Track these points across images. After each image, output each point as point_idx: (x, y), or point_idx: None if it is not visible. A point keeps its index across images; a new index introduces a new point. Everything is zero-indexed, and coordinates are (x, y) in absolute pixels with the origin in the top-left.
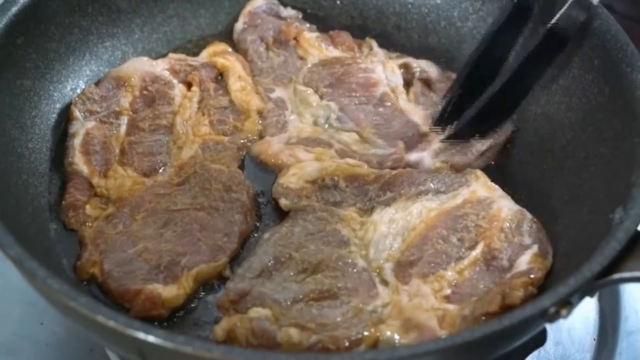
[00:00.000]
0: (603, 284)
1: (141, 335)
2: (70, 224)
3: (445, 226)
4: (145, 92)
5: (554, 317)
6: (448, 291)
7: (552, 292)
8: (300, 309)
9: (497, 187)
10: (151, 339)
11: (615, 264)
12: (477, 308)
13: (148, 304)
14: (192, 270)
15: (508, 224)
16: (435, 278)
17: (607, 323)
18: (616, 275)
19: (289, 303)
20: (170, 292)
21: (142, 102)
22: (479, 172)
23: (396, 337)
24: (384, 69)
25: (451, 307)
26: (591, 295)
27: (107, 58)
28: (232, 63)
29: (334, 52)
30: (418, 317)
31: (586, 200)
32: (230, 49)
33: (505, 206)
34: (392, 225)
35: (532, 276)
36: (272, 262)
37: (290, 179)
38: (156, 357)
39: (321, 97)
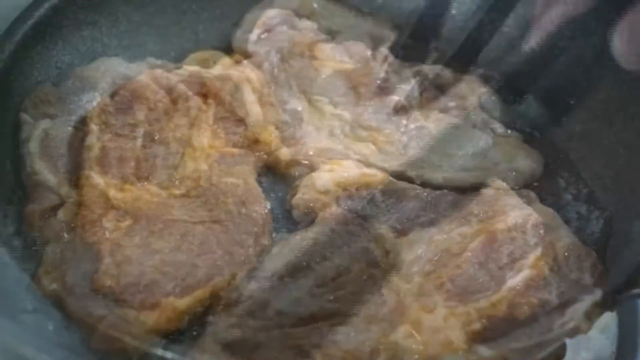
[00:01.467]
0: (623, 298)
1: None
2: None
3: (486, 250)
4: (117, 98)
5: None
6: (478, 325)
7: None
8: (308, 330)
9: (556, 214)
10: None
11: (637, 278)
12: None
13: (110, 333)
14: (183, 300)
15: (566, 254)
16: (466, 310)
17: (627, 337)
18: (637, 290)
19: (294, 320)
20: (146, 321)
21: (114, 109)
22: (533, 195)
23: None
24: (398, 78)
25: (484, 350)
26: (612, 310)
27: (84, 50)
28: (247, 75)
29: (348, 63)
30: (444, 358)
31: None
32: (245, 61)
33: (565, 236)
34: (430, 247)
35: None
36: (286, 267)
37: (322, 176)
38: None
39: (335, 107)
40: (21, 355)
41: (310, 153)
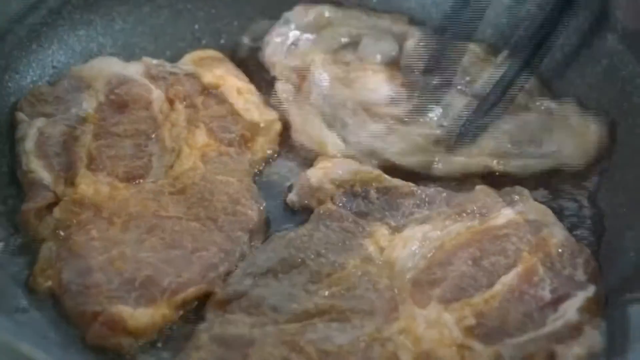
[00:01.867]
0: (617, 303)
1: None
2: (35, 233)
3: (479, 246)
4: (112, 97)
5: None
6: (472, 321)
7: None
8: (303, 325)
9: (549, 211)
10: None
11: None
12: None
13: (106, 329)
14: (178, 296)
15: (560, 251)
16: (460, 306)
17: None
18: (628, 296)
19: (289, 316)
20: (141, 317)
21: (109, 109)
22: (526, 192)
23: None
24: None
25: (478, 345)
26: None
27: (79, 50)
28: (224, 78)
29: (382, 63)
30: (437, 353)
31: None
32: (220, 55)
33: (558, 232)
34: (425, 243)
35: (588, 342)
36: (281, 263)
37: (316, 173)
38: None
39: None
40: (17, 351)
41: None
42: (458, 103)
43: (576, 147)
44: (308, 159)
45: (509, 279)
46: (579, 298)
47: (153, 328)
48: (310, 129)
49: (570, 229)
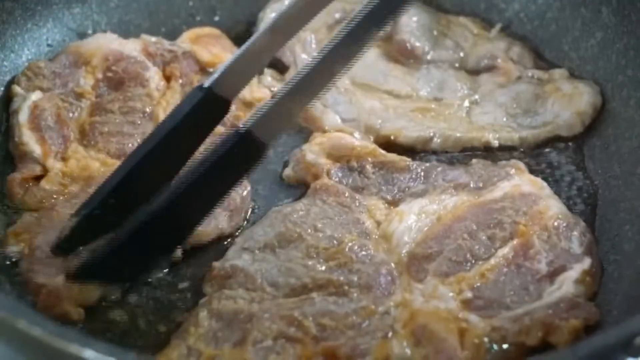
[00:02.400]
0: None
1: (74, 349)
2: (20, 202)
3: (476, 220)
4: (109, 74)
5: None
6: (469, 294)
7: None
8: (301, 300)
9: (545, 184)
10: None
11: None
12: (510, 335)
13: (51, 300)
14: None
15: (555, 224)
16: (456, 279)
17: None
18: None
19: (287, 291)
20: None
21: (106, 85)
22: (522, 165)
23: (407, 351)
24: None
25: (474, 318)
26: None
27: (74, 27)
28: (220, 57)
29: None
30: (433, 326)
31: None
32: (218, 32)
33: (554, 205)
34: (421, 217)
35: (584, 314)
36: (278, 238)
37: (312, 148)
38: None
39: (387, 85)
40: (14, 328)
41: (382, 134)
42: (452, 78)
43: (570, 116)
44: (303, 135)
45: (505, 252)
46: (575, 270)
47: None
48: None
49: (566, 201)
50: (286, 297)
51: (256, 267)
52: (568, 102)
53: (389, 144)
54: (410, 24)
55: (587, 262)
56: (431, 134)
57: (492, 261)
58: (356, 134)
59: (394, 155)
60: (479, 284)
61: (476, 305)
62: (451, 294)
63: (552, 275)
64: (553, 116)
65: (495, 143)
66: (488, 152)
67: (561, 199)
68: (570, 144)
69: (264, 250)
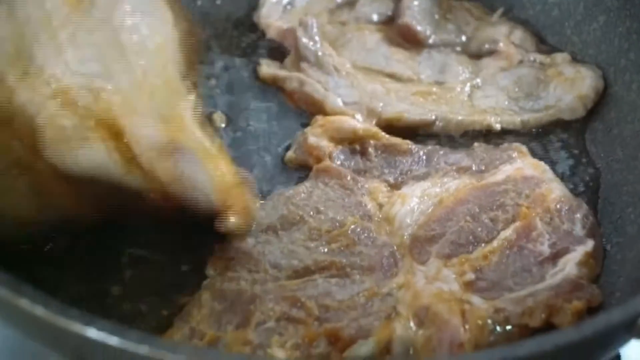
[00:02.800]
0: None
1: (77, 328)
2: None
3: (478, 202)
4: None
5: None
6: (471, 276)
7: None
8: (303, 282)
9: (547, 167)
10: (92, 333)
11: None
12: (513, 316)
13: None
14: None
15: (558, 206)
16: (459, 261)
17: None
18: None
19: (289, 272)
20: None
21: None
22: (524, 148)
23: (412, 327)
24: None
25: (477, 300)
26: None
27: None
28: None
29: (378, 22)
30: (436, 307)
31: None
32: None
33: (556, 188)
34: (423, 200)
35: (587, 296)
36: (280, 220)
37: (314, 131)
38: None
39: (388, 68)
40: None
41: (384, 117)
42: (454, 62)
43: (573, 100)
44: (304, 118)
45: (507, 234)
46: (578, 253)
47: None
48: (306, 90)
49: (568, 184)
50: (289, 279)
51: (259, 249)
52: (570, 86)
53: (390, 127)
54: (412, 7)
55: (589, 244)
56: (433, 118)
57: (495, 243)
58: (358, 117)
59: (397, 138)
60: (481, 266)
61: (479, 287)
62: (454, 276)
63: (555, 257)
64: (555, 100)
65: (497, 127)
66: (490, 136)
67: (563, 182)
68: (572, 127)
69: (267, 233)
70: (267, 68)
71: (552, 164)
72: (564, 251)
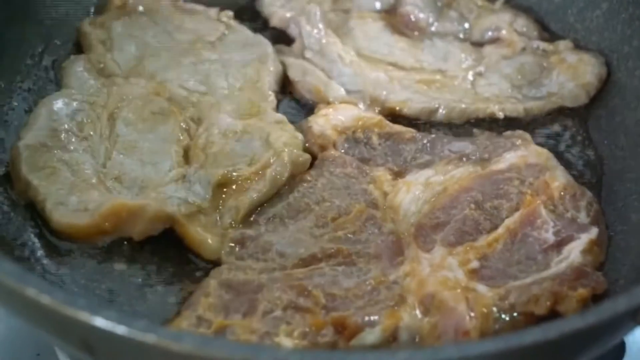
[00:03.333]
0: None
1: (84, 316)
2: None
3: (482, 190)
4: None
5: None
6: (476, 264)
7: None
8: (310, 270)
9: (551, 155)
10: (99, 322)
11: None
12: (519, 304)
13: None
14: None
15: (562, 194)
16: (464, 249)
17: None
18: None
19: (296, 261)
20: None
21: None
22: (527, 136)
23: (418, 315)
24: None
25: (482, 288)
26: None
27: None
28: None
29: (380, 10)
30: (442, 294)
31: None
32: None
33: (560, 176)
34: (428, 188)
35: (592, 283)
36: (287, 208)
37: (318, 120)
38: (106, 351)
39: (391, 56)
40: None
41: (387, 105)
42: (456, 50)
43: (575, 87)
44: (308, 107)
45: (511, 221)
46: (582, 240)
47: None
48: (309, 79)
49: (571, 172)
50: (295, 267)
51: (266, 238)
52: (573, 73)
53: (393, 116)
54: None
55: (594, 232)
56: (436, 105)
57: (499, 231)
58: (361, 106)
59: (400, 126)
60: (486, 254)
61: (484, 274)
62: (458, 264)
63: (559, 245)
64: (558, 87)
65: (500, 114)
66: (493, 123)
67: (567, 169)
68: (575, 115)
69: (274, 221)
70: (279, 54)
71: (556, 152)
72: (569, 239)
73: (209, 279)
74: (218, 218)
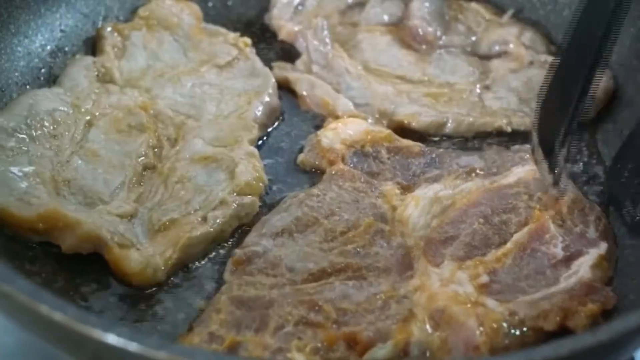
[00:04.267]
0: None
1: (97, 334)
2: None
3: (491, 204)
4: None
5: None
6: (485, 279)
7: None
8: (320, 285)
9: None
10: (112, 339)
11: None
12: (528, 319)
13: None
14: None
15: (570, 208)
16: (473, 263)
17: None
18: None
19: (306, 276)
20: None
21: None
22: None
23: (429, 329)
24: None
25: (491, 303)
26: None
27: (87, 12)
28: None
29: (389, 23)
30: (452, 309)
31: None
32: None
33: (568, 191)
34: (436, 202)
35: (601, 299)
36: (295, 223)
37: (327, 133)
38: None
39: (399, 70)
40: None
41: (395, 119)
42: (464, 63)
43: None
44: (317, 120)
45: (520, 236)
46: (591, 255)
47: None
48: (318, 92)
49: (580, 186)
50: (305, 282)
51: (275, 253)
52: None
53: (402, 129)
54: (422, 9)
55: (603, 247)
56: (444, 119)
57: (508, 246)
58: (369, 119)
59: (408, 140)
60: (495, 269)
61: (493, 289)
62: (468, 279)
63: (568, 259)
64: None
65: (508, 128)
66: (501, 137)
67: (575, 183)
68: (583, 128)
69: (282, 236)
70: (279, 70)
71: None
72: (578, 254)
73: (219, 295)
74: (152, 252)
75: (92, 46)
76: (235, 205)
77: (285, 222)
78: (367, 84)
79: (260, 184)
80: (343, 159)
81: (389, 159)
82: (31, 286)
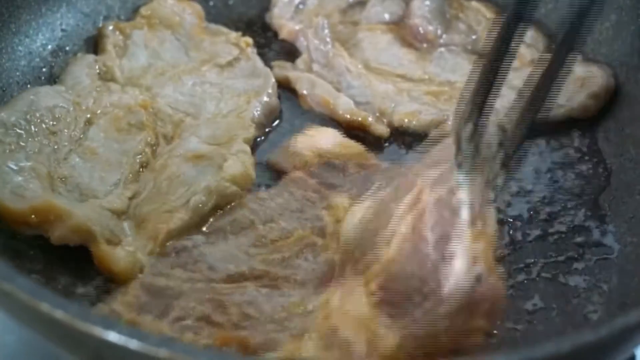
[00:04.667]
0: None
1: (97, 331)
2: None
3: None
4: None
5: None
6: (378, 293)
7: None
8: (234, 287)
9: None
10: (112, 337)
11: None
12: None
13: None
14: None
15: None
16: (368, 276)
17: None
18: None
19: (224, 276)
20: None
21: None
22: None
23: (320, 349)
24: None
25: (384, 325)
26: None
27: (88, 12)
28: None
29: (389, 22)
30: (343, 332)
31: None
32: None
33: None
34: (364, 215)
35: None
36: (232, 224)
37: (303, 139)
38: None
39: (400, 68)
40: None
41: (396, 123)
42: (465, 61)
43: (584, 99)
44: (318, 121)
45: (403, 229)
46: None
47: None
48: (318, 91)
49: (580, 182)
50: (221, 282)
51: (202, 250)
52: (581, 85)
53: (402, 128)
54: (423, 7)
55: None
56: (445, 117)
57: (392, 250)
58: (370, 118)
59: (379, 161)
60: (385, 280)
61: (384, 302)
62: (364, 295)
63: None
64: (567, 99)
65: (509, 126)
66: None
67: (576, 180)
68: (584, 126)
69: (217, 234)
70: (279, 69)
71: (565, 163)
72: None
73: (135, 280)
74: (135, 248)
75: (94, 45)
76: (217, 193)
77: (223, 221)
78: (367, 83)
79: (247, 180)
80: (306, 167)
81: (353, 174)
82: (32, 284)
